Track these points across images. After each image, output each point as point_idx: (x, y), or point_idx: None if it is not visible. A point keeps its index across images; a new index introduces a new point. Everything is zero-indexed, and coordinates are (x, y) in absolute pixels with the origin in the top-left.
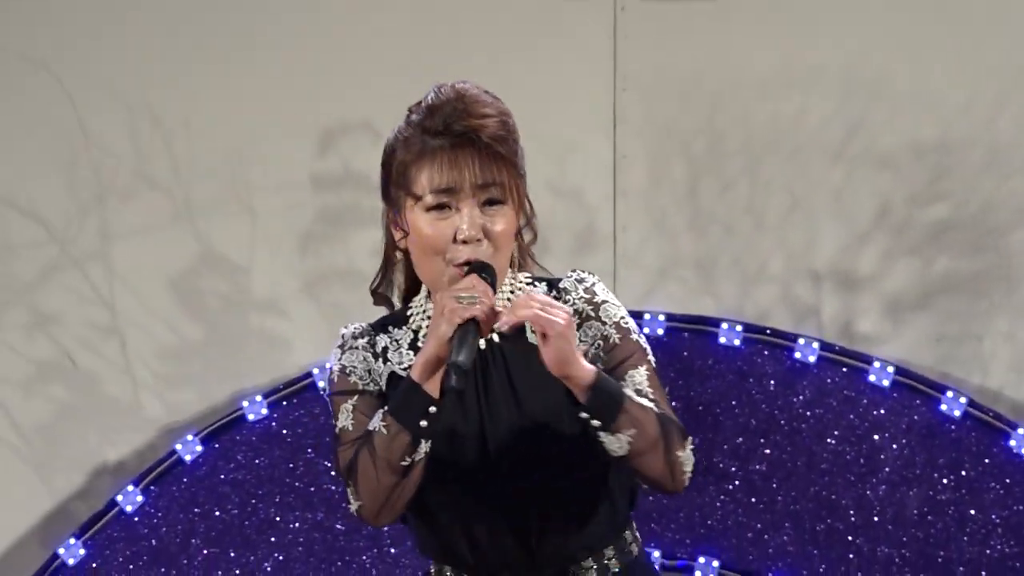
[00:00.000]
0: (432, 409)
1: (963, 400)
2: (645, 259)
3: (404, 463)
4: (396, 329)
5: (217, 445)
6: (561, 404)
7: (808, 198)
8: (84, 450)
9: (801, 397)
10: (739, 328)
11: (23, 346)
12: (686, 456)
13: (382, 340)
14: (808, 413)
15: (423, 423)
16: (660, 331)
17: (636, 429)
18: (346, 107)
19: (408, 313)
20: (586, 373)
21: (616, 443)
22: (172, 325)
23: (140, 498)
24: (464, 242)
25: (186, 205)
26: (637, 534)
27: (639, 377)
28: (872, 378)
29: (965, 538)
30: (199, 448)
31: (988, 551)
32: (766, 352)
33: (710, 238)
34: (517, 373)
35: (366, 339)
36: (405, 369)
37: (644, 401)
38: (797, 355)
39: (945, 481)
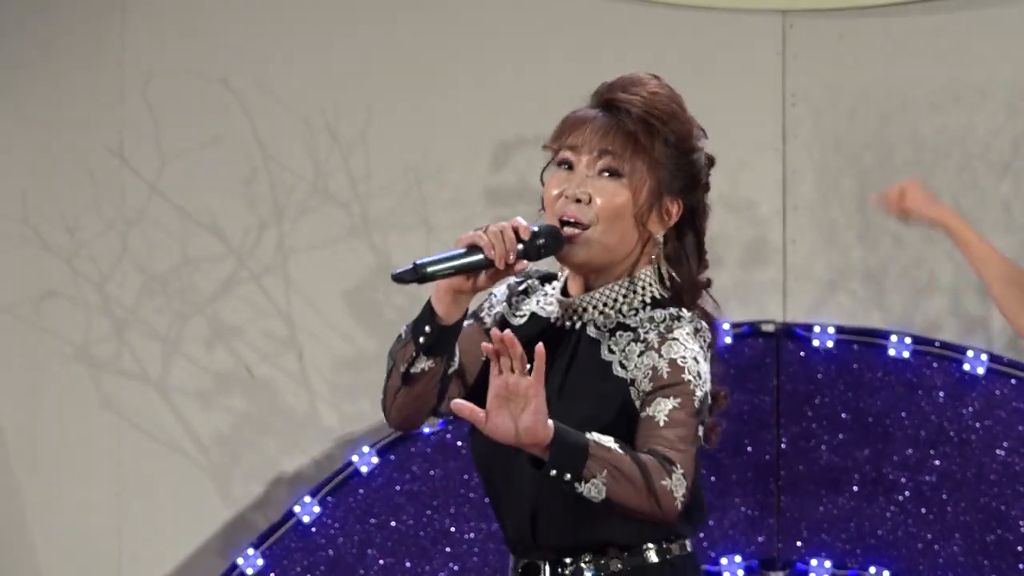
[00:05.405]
0: (427, 328)
1: None
2: (814, 272)
3: (403, 369)
4: (551, 283)
5: (393, 457)
6: (601, 410)
7: (976, 210)
8: (262, 460)
9: (970, 409)
10: (908, 340)
11: (202, 358)
12: (673, 483)
13: (523, 285)
14: (977, 424)
15: (421, 339)
16: (830, 343)
17: (607, 469)
18: (521, 122)
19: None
20: (548, 433)
21: (594, 489)
22: (348, 337)
23: (317, 508)
24: (566, 198)
25: (363, 219)
26: (678, 544)
27: (663, 406)
28: None
29: None
30: (375, 460)
31: None
32: (935, 364)
33: (879, 251)
34: (578, 365)
35: (516, 281)
36: (520, 316)
37: (606, 441)
38: (966, 367)
39: None
